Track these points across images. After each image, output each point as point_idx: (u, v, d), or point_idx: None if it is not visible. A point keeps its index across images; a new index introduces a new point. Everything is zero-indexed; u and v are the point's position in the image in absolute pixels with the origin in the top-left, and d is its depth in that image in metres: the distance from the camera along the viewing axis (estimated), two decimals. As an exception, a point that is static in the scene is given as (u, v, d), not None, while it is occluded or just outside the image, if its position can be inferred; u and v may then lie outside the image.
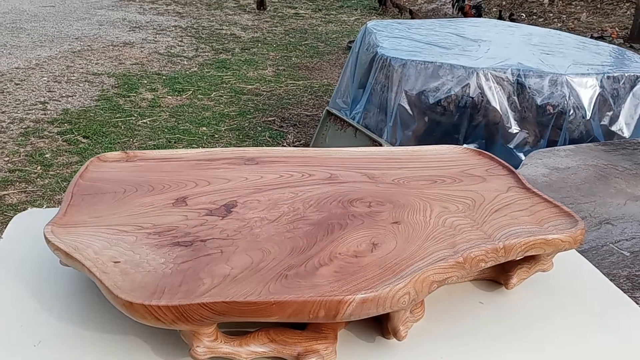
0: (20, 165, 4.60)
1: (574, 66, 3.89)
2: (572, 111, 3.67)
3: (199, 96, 6.51)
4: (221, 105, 6.29)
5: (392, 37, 4.47)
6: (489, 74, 3.74)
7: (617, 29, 9.33)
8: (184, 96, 6.51)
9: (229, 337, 1.04)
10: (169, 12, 11.19)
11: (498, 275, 1.34)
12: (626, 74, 3.81)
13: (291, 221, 1.25)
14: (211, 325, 1.00)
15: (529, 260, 1.30)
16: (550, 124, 3.71)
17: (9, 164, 4.52)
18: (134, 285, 1.01)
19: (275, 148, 1.65)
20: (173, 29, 9.92)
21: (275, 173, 1.49)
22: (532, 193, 1.41)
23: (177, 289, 1.00)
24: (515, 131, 3.72)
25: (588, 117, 3.71)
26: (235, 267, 1.07)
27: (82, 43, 8.60)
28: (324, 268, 1.08)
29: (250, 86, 7.03)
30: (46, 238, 1.15)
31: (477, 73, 3.74)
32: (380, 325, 1.18)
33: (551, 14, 10.91)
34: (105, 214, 1.26)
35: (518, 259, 1.25)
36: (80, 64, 7.43)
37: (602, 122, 3.80)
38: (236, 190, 1.39)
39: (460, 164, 1.59)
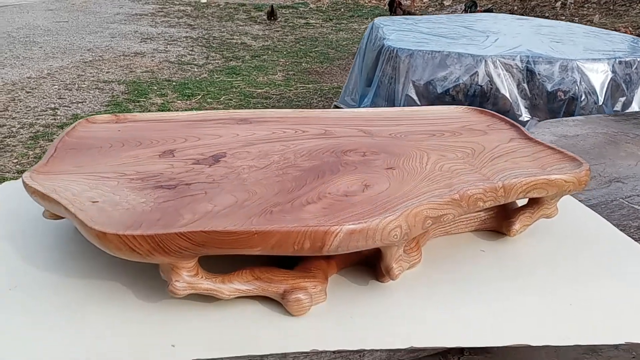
0: (28, 166, 4.61)
1: (585, 52, 3.82)
2: (583, 97, 3.59)
3: (209, 100, 6.51)
4: (230, 108, 6.27)
5: (398, 30, 4.43)
6: (497, 61, 3.68)
7: (630, 28, 9.23)
8: (193, 100, 6.52)
9: (211, 274, 0.99)
10: (180, 25, 11.27)
11: (500, 225, 1.27)
12: (639, 59, 3.72)
13: (281, 168, 1.20)
14: (191, 260, 0.95)
15: (532, 205, 1.24)
16: (562, 111, 3.64)
17: (17, 165, 4.53)
18: (111, 220, 0.96)
19: (269, 110, 1.61)
20: (184, 39, 9.98)
21: (269, 130, 1.44)
22: (535, 142, 1.35)
23: (155, 223, 0.95)
24: (526, 119, 3.65)
25: (600, 103, 3.63)
26: (219, 205, 1.02)
27: (93, 54, 8.67)
28: (312, 205, 1.02)
29: (259, 90, 7.02)
30: (24, 182, 1.11)
31: (486, 61, 3.68)
32: (374, 272, 1.12)
33: (563, 17, 10.82)
34: (89, 164, 1.22)
35: (520, 202, 1.19)
36: (91, 73, 7.48)
37: (615, 108, 3.71)
38: (227, 144, 1.34)
39: (461, 120, 1.53)
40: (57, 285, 1.06)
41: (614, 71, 3.67)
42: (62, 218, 1.18)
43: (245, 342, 0.93)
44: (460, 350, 1.39)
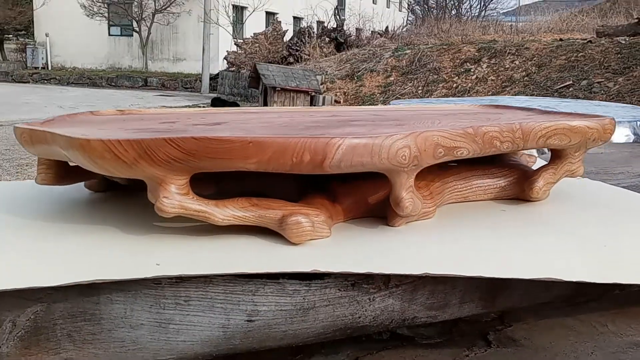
0: None
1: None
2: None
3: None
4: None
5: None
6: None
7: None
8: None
9: (203, 198, 0.91)
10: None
11: (522, 190, 1.18)
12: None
13: (286, 124, 1.14)
14: (181, 175, 0.87)
15: (555, 160, 1.15)
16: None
17: None
18: (96, 136, 0.90)
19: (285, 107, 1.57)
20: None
21: (276, 113, 1.40)
22: (555, 113, 1.28)
23: (143, 133, 0.89)
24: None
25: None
26: (217, 132, 0.95)
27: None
28: (317, 128, 0.96)
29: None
30: (15, 129, 1.06)
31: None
32: (383, 222, 1.03)
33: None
34: (85, 127, 1.17)
35: (540, 148, 1.10)
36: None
37: None
38: (231, 117, 1.29)
39: (477, 109, 1.47)
40: (51, 225, 0.99)
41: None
42: (57, 184, 1.13)
43: (236, 261, 0.83)
44: (487, 341, 1.25)
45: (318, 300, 0.88)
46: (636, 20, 11.47)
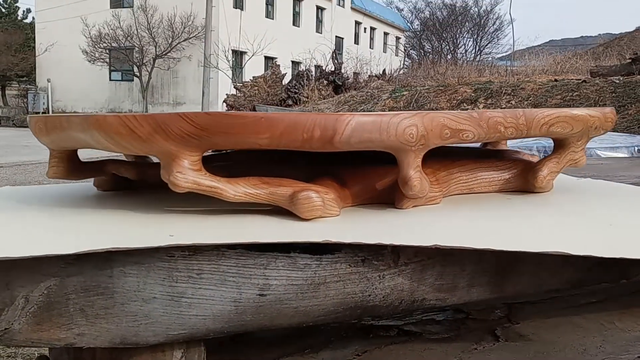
0: None
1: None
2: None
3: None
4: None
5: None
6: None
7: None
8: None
9: (215, 175, 0.92)
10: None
11: (526, 182, 1.20)
12: None
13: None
14: (194, 151, 0.89)
15: (558, 150, 1.17)
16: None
17: None
18: (113, 121, 0.92)
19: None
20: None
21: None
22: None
23: (158, 117, 0.91)
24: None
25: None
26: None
27: None
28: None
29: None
30: (30, 118, 1.08)
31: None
32: (391, 207, 1.04)
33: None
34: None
35: (544, 136, 1.12)
36: None
37: None
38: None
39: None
40: (66, 209, 1.00)
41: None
42: (68, 178, 1.15)
43: (248, 232, 0.85)
44: (495, 336, 1.25)
45: (329, 276, 0.88)
46: (629, 60, 11.67)
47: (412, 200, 1.00)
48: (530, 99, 11.44)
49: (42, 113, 20.58)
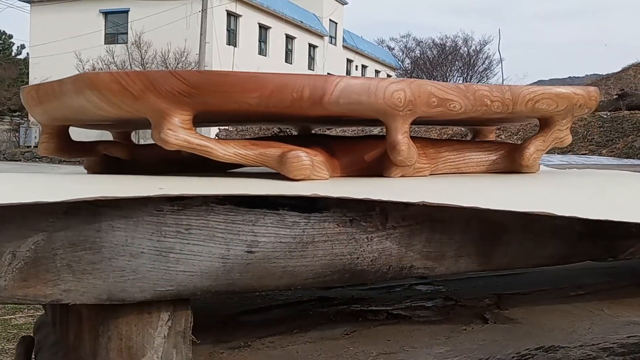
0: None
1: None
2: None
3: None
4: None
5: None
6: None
7: None
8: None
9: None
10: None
11: (513, 162, 1.21)
12: None
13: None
14: (186, 110, 0.90)
15: (544, 128, 1.19)
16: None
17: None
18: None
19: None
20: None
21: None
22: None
23: (150, 79, 0.92)
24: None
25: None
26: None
27: None
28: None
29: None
30: (22, 89, 1.09)
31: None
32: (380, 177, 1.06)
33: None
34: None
35: (529, 113, 1.14)
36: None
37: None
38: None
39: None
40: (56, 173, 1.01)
41: None
42: (58, 155, 1.15)
43: (237, 185, 0.85)
44: (484, 319, 1.25)
45: (317, 235, 0.89)
46: (616, 96, 11.87)
47: (401, 169, 1.01)
48: (520, 133, 11.58)
49: (34, 147, 20.59)
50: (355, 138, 1.08)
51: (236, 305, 1.34)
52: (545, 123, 1.18)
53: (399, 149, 0.97)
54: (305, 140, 1.05)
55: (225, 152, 0.91)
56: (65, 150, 1.17)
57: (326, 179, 0.95)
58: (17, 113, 25.70)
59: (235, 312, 1.30)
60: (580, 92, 1.12)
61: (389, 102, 0.93)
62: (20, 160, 19.32)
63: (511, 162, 1.20)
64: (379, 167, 1.05)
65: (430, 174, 1.11)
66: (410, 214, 0.94)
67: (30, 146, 21.03)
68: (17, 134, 22.79)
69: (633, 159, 7.63)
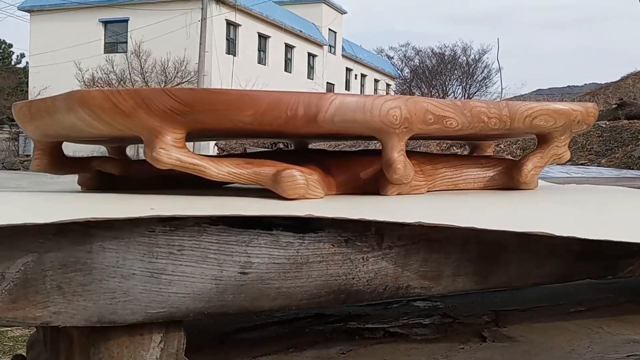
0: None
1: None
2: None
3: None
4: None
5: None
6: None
7: None
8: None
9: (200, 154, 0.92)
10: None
11: (511, 178, 1.20)
12: None
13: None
14: (178, 128, 0.89)
15: (542, 145, 1.18)
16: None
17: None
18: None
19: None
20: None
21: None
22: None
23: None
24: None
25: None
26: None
27: None
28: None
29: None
30: (14, 105, 1.08)
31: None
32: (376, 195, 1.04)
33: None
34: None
35: (527, 129, 1.13)
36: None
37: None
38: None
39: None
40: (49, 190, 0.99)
41: None
42: (51, 171, 1.14)
43: (230, 205, 0.84)
44: (482, 338, 1.23)
45: (312, 255, 0.87)
46: (615, 106, 11.86)
47: (397, 187, 1.00)
48: (519, 142, 11.55)
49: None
50: (351, 154, 1.07)
51: (232, 322, 1.32)
52: (543, 139, 1.16)
53: (395, 167, 0.96)
54: (300, 156, 1.03)
55: (219, 171, 0.90)
56: (58, 166, 1.16)
57: (321, 197, 0.94)
58: (16, 122, 25.71)
59: (231, 329, 1.28)
60: (579, 108, 1.11)
61: (384, 120, 0.91)
62: (19, 169, 19.31)
63: (509, 179, 1.19)
64: (375, 184, 1.04)
65: (427, 191, 1.10)
66: (406, 233, 0.92)
67: (30, 155, 21.01)
68: (16, 143, 22.80)
69: (632, 168, 7.63)
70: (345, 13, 31.36)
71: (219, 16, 21.34)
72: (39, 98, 1.00)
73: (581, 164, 10.19)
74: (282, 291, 0.88)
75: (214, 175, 0.89)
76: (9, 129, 26.02)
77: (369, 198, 0.97)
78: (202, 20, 19.58)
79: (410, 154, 1.03)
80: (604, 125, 11.21)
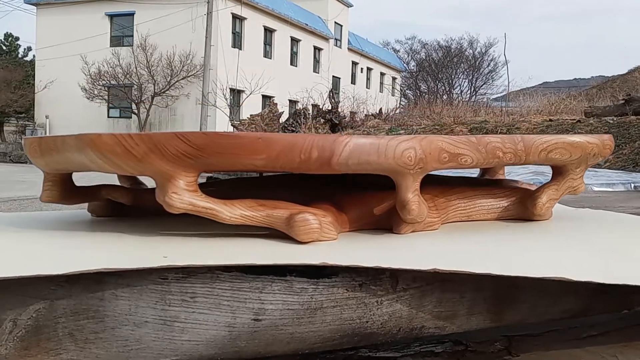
0: None
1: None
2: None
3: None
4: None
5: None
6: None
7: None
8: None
9: (212, 197, 0.91)
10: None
11: (525, 210, 1.18)
12: None
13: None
14: (190, 172, 0.88)
15: (557, 177, 1.16)
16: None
17: None
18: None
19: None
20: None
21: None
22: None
23: (154, 138, 0.90)
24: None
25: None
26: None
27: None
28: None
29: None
30: (24, 140, 1.07)
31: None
32: (390, 232, 1.03)
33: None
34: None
35: (542, 162, 1.11)
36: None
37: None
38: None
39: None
40: (58, 232, 0.98)
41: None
42: (61, 202, 1.13)
43: (244, 254, 0.83)
44: None
45: (326, 301, 0.86)
46: (622, 101, 11.78)
47: (411, 225, 0.99)
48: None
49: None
50: (364, 191, 1.06)
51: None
52: (558, 171, 1.15)
53: (410, 208, 0.94)
54: (312, 193, 1.02)
55: (232, 214, 0.89)
56: (68, 196, 1.15)
57: (335, 239, 0.92)
58: (23, 115, 25.74)
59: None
60: (594, 141, 1.09)
61: (399, 162, 0.90)
62: (26, 162, 19.33)
63: (523, 209, 1.17)
64: (389, 221, 1.02)
65: (441, 223, 1.09)
66: (421, 275, 0.91)
67: (36, 149, 21.02)
68: (23, 136, 22.82)
69: (640, 166, 7.58)
70: (351, 6, 31.22)
71: (224, 10, 21.28)
72: (49, 136, 0.99)
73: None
74: (296, 336, 0.87)
75: (226, 218, 0.88)
76: (15, 122, 26.06)
77: (382, 237, 0.96)
78: (207, 13, 19.53)
79: (423, 186, 1.02)
80: (611, 122, 11.13)
